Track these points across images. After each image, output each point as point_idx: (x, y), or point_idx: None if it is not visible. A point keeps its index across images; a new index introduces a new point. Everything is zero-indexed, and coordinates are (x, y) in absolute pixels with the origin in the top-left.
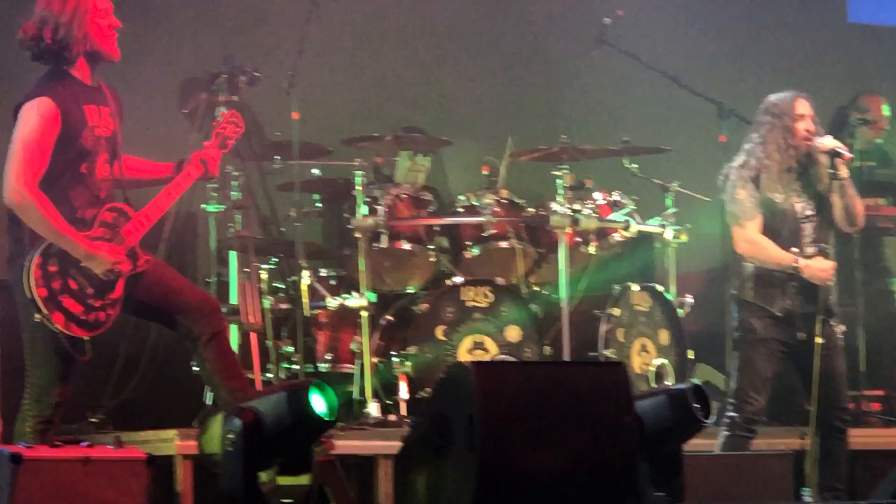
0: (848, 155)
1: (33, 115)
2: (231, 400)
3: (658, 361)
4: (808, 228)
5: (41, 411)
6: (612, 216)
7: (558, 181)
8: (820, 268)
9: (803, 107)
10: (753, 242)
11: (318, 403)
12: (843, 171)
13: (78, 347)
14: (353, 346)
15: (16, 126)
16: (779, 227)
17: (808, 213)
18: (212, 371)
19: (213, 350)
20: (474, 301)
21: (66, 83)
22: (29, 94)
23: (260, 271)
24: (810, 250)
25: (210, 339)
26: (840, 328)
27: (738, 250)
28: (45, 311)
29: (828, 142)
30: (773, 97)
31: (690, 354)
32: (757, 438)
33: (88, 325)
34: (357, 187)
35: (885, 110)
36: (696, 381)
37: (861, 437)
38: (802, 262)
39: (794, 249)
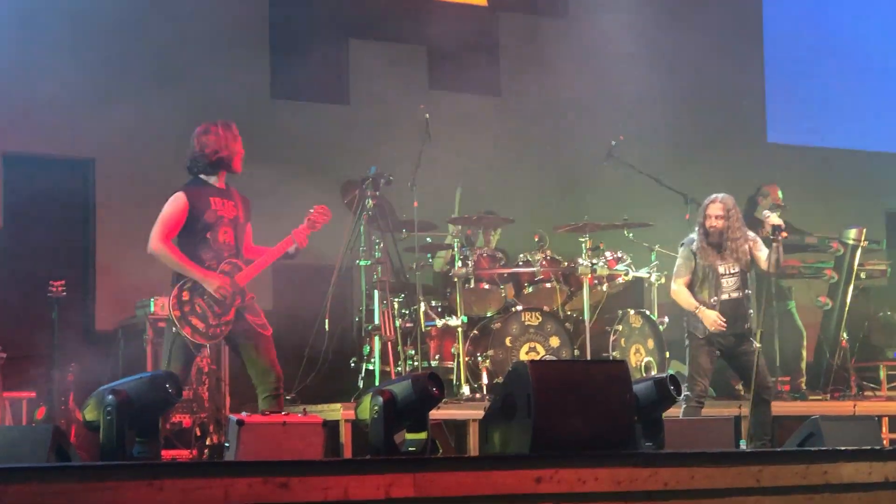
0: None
1: (171, 201)
2: None
3: (647, 359)
4: (729, 281)
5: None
6: (617, 267)
7: (583, 244)
8: (709, 317)
9: (713, 209)
10: (676, 293)
11: (433, 387)
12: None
13: (198, 350)
14: (452, 350)
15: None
16: (705, 281)
17: (729, 271)
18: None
19: (268, 403)
20: (529, 321)
21: (197, 184)
22: (178, 189)
23: (394, 302)
24: (735, 294)
25: (267, 395)
26: (756, 344)
27: (671, 295)
28: (178, 325)
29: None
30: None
31: (667, 354)
32: (709, 408)
33: (207, 336)
34: (454, 249)
35: (780, 194)
36: (671, 371)
37: (777, 408)
38: (701, 309)
39: (714, 299)
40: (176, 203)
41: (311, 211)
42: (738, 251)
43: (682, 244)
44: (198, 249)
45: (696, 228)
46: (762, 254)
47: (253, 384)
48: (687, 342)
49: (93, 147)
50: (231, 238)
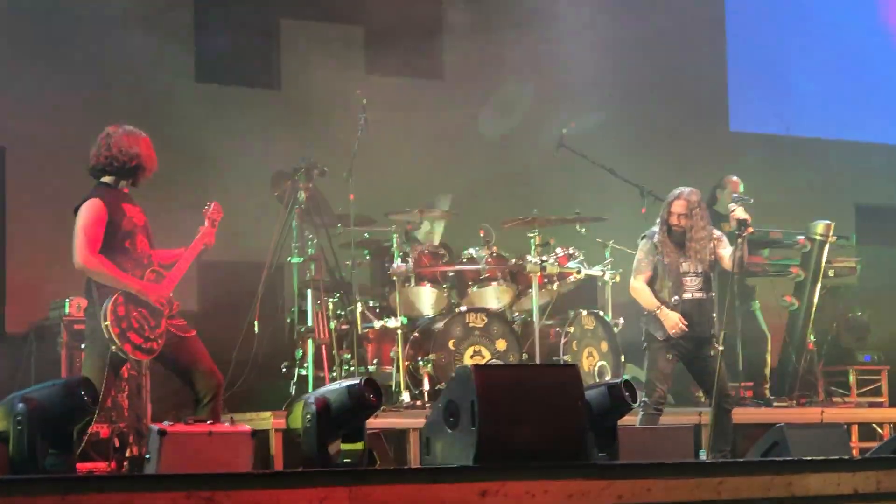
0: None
1: (88, 209)
2: None
3: (600, 363)
4: (692, 280)
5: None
6: (568, 264)
7: (531, 240)
8: (670, 319)
9: (677, 206)
10: (636, 290)
11: (370, 394)
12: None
13: (139, 367)
14: (391, 354)
15: (77, 219)
16: (666, 279)
17: (693, 270)
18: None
19: (208, 408)
20: (474, 322)
21: (108, 190)
22: (85, 198)
23: (328, 303)
24: (698, 295)
25: (209, 400)
26: (718, 347)
27: (630, 293)
28: (118, 343)
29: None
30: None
31: (622, 358)
32: (667, 416)
33: (145, 351)
34: (393, 245)
35: (741, 188)
36: (626, 376)
37: (740, 415)
38: (663, 310)
39: (675, 298)
40: (95, 211)
41: (209, 208)
42: (701, 252)
43: (644, 237)
44: (119, 259)
45: (658, 223)
46: (726, 252)
47: (192, 391)
48: (645, 344)
49: (2, 135)
50: (147, 246)
